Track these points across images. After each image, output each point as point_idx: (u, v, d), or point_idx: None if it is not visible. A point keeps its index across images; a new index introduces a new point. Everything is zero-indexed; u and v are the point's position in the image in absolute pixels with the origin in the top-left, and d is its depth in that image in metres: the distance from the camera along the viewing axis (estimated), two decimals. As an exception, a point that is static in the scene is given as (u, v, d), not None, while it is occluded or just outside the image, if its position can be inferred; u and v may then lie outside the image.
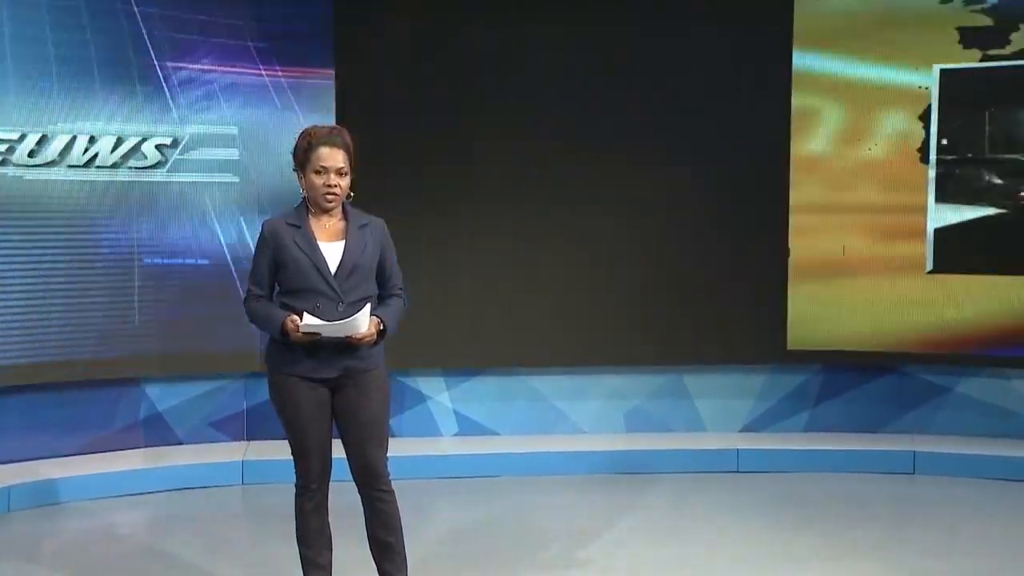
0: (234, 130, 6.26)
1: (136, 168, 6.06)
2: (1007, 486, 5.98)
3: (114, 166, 6.00)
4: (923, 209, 6.80)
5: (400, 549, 3.97)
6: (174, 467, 5.98)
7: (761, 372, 6.63)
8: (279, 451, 4.27)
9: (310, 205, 3.86)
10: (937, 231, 6.83)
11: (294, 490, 3.96)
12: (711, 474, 6.21)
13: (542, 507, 5.66)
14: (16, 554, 4.92)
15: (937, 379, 6.57)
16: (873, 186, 6.84)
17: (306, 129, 3.90)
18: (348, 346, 3.78)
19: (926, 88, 6.75)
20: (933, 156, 6.81)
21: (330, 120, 5.98)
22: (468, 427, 6.59)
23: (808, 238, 6.77)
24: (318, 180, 3.80)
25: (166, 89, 6.09)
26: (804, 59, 6.79)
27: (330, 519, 4.03)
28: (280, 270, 3.84)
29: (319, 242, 3.81)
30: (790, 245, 6.75)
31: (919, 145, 6.75)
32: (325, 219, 3.86)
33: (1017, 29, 6.63)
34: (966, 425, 6.50)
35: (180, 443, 6.29)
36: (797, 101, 6.79)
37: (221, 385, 6.34)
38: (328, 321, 3.73)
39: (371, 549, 4.00)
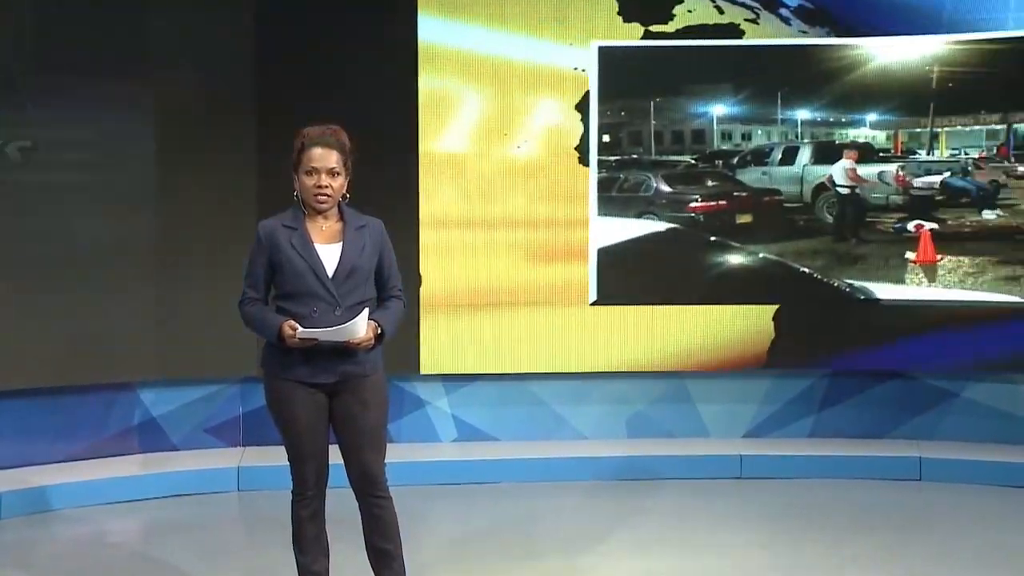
0: None
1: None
2: (1015, 493, 5.97)
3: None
4: (585, 223, 6.33)
5: (398, 556, 3.97)
6: (169, 473, 5.98)
7: (765, 377, 6.62)
8: (275, 457, 4.27)
9: (304, 207, 3.86)
10: (602, 252, 6.42)
11: (291, 497, 3.96)
12: (714, 480, 6.21)
13: (542, 514, 5.65)
14: (7, 563, 4.92)
15: (943, 384, 6.55)
16: (524, 194, 6.25)
17: (301, 130, 3.90)
18: (346, 351, 3.78)
19: (583, 71, 6.17)
20: (594, 157, 6.30)
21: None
22: (467, 433, 6.58)
23: (443, 260, 6.29)
24: (309, 181, 3.79)
25: None
26: (432, 28, 5.96)
27: (327, 526, 4.02)
28: (276, 273, 3.83)
29: (316, 244, 3.80)
30: (420, 271, 6.22)
31: (577, 143, 6.26)
32: (321, 221, 3.85)
33: (681, 1, 6.29)
34: (973, 431, 6.48)
35: (175, 449, 6.28)
36: (425, 84, 6.06)
37: (217, 390, 6.34)
38: (326, 326, 3.72)
39: (369, 557, 3.99)
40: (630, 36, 6.36)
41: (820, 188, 6.72)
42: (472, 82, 6.21)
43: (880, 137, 6.73)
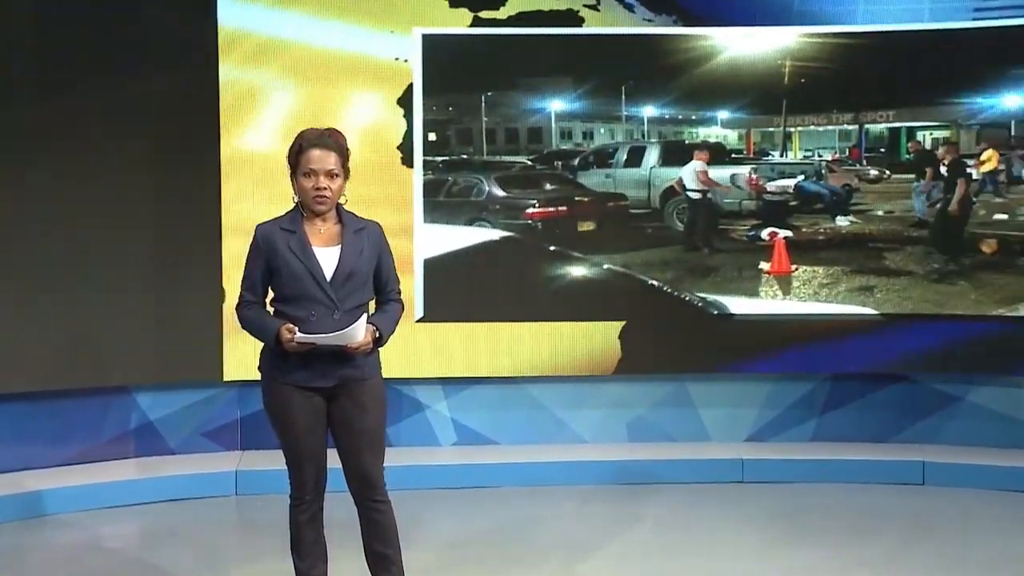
0: None
1: None
2: (1020, 497, 5.96)
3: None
4: (409, 231, 5.89)
5: (397, 561, 3.97)
6: (166, 478, 5.97)
7: (767, 380, 6.61)
8: (273, 461, 4.26)
9: (302, 209, 3.85)
10: (429, 263, 6.03)
11: (289, 501, 3.95)
12: (715, 485, 6.20)
13: (542, 518, 5.65)
14: (2, 568, 4.91)
15: (947, 388, 6.53)
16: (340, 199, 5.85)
17: (300, 132, 3.90)
18: (344, 355, 3.78)
19: (405, 61, 5.75)
20: (419, 157, 5.90)
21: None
22: (467, 436, 6.57)
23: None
24: (307, 183, 3.79)
25: None
26: (234, 11, 5.50)
27: (325, 531, 4.02)
28: (273, 276, 3.83)
29: (314, 247, 3.81)
30: (224, 285, 5.83)
31: (400, 141, 5.86)
32: (320, 223, 3.85)
33: None
34: (977, 435, 6.47)
35: (172, 453, 6.27)
36: (227, 75, 5.59)
37: (214, 394, 6.32)
38: (324, 330, 3.72)
39: (367, 561, 3.99)
40: (457, 23, 5.96)
41: (669, 192, 6.41)
42: (280, 73, 5.72)
43: (732, 137, 6.48)
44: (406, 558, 4.01)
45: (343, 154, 3.84)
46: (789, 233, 6.51)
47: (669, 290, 6.39)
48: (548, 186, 6.35)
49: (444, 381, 6.50)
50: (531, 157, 6.31)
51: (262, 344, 3.89)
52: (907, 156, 6.62)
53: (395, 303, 3.98)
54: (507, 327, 6.35)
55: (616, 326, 6.41)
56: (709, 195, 6.47)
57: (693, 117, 6.40)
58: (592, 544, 5.19)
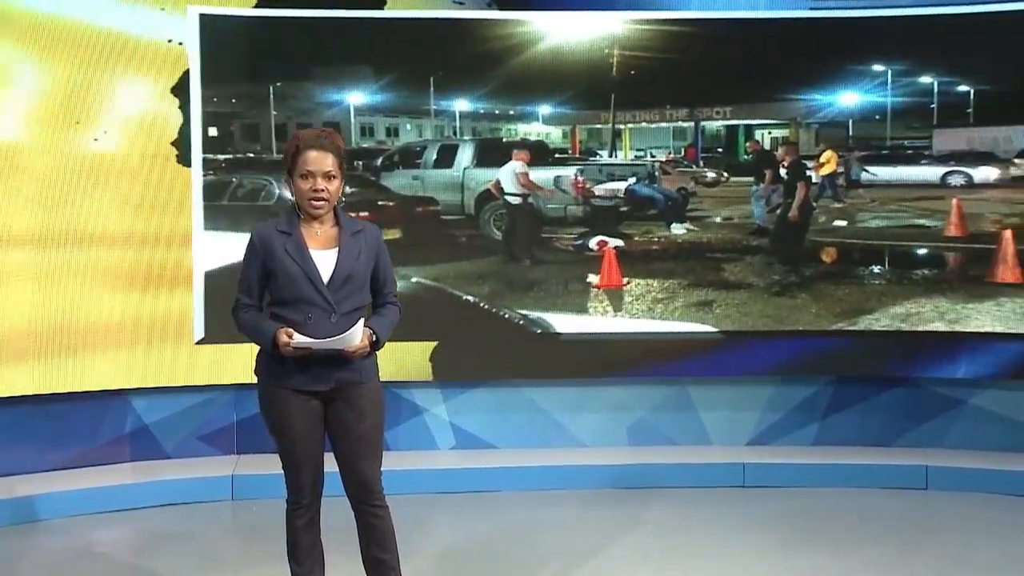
0: None
1: None
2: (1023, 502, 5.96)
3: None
4: (187, 240, 5.28)
5: (395, 566, 3.97)
6: (161, 482, 5.97)
7: (768, 384, 6.60)
8: (270, 465, 4.26)
9: (300, 211, 3.85)
10: (212, 276, 5.39)
11: (285, 506, 3.95)
12: (716, 489, 6.19)
13: (542, 523, 5.64)
14: (-3, 572, 4.91)
15: (951, 391, 6.52)
16: (105, 201, 5.08)
17: (295, 133, 3.91)
18: (341, 358, 3.78)
19: (180, 44, 5.12)
20: (198, 155, 5.29)
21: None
22: (465, 440, 6.57)
23: None
24: (304, 185, 3.79)
25: None
26: None
27: (323, 536, 4.02)
28: (270, 279, 3.83)
29: (311, 250, 3.80)
30: None
31: (175, 136, 5.22)
32: (317, 226, 3.85)
33: None
34: (980, 439, 6.46)
35: (168, 457, 6.26)
36: None
37: (211, 397, 6.31)
38: (321, 335, 3.72)
39: (365, 567, 3.99)
40: (241, 2, 5.44)
41: (486, 196, 5.96)
42: (32, 52, 4.97)
43: (555, 134, 6.10)
44: (404, 563, 4.01)
45: (340, 155, 3.84)
46: (620, 242, 6.17)
47: (486, 306, 5.96)
48: (347, 189, 5.64)
49: (443, 384, 6.49)
50: None
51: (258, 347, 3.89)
52: (746, 157, 6.37)
53: (392, 306, 3.99)
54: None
55: (428, 347, 6.06)
56: (530, 200, 6.06)
57: (511, 112, 5.99)
58: (592, 549, 5.18)
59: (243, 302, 3.88)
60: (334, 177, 3.81)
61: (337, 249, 3.83)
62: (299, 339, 3.70)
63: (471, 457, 6.43)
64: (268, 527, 4.81)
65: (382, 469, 3.95)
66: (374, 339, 3.85)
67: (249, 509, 5.84)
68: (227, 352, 5.74)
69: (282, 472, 3.93)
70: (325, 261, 3.80)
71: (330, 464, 3.93)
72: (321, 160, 3.78)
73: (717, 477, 6.27)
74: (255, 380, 3.95)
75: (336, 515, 4.11)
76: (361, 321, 3.78)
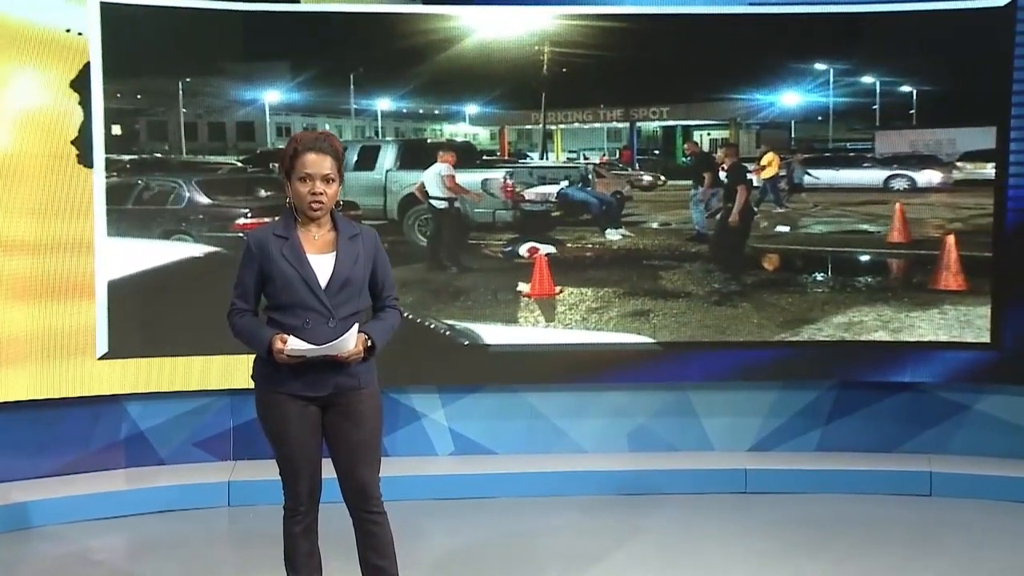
0: None
1: None
2: (1028, 508, 5.98)
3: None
4: (88, 247, 5.06)
5: (393, 574, 3.97)
6: (157, 488, 5.97)
7: (771, 389, 6.61)
8: (267, 471, 4.26)
9: (297, 214, 3.86)
10: (115, 286, 5.20)
11: (282, 512, 3.95)
12: (718, 495, 6.20)
13: (541, 530, 5.64)
14: (-10, 580, 4.91)
15: (955, 396, 6.52)
16: None
17: (293, 135, 3.92)
18: (338, 363, 3.79)
19: (80, 34, 4.81)
20: (100, 155, 5.03)
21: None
22: (464, 446, 6.57)
23: None
24: (303, 188, 3.79)
25: None
26: None
27: (320, 543, 4.03)
28: (267, 284, 3.84)
29: (308, 254, 3.81)
30: None
31: (75, 135, 4.93)
32: (314, 229, 3.86)
33: None
34: (986, 445, 6.46)
35: (163, 463, 6.27)
36: None
37: (207, 403, 6.32)
38: (320, 340, 3.73)
39: (363, 574, 3.99)
40: None
41: (409, 201, 5.80)
42: None
43: (483, 135, 5.95)
44: (403, 571, 4.02)
45: (339, 158, 3.85)
46: (552, 249, 6.04)
47: (410, 316, 5.75)
48: (263, 192, 5.61)
49: (441, 389, 6.50)
50: (241, 157, 5.61)
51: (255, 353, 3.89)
52: (684, 159, 6.27)
53: (392, 310, 3.99)
54: (215, 361, 5.79)
55: None
56: (456, 204, 5.91)
57: (436, 112, 5.83)
58: (592, 557, 5.18)
59: (238, 307, 3.88)
60: (333, 180, 3.82)
61: (335, 253, 3.84)
62: (293, 345, 3.71)
63: (470, 463, 6.44)
64: (265, 534, 4.82)
65: (380, 475, 3.95)
66: (370, 344, 3.85)
67: (246, 516, 5.84)
68: (138, 368, 5.62)
69: (279, 478, 3.93)
70: (323, 265, 3.81)
71: (328, 470, 3.93)
72: (320, 163, 3.79)
73: (719, 483, 6.28)
74: (252, 385, 3.95)
75: (334, 522, 4.12)
76: (356, 326, 3.78)
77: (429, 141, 5.82)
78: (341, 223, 3.92)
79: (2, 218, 5.04)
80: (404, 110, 5.73)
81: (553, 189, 6.03)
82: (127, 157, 5.21)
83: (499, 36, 5.69)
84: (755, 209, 6.33)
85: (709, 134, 6.30)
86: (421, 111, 5.76)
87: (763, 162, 6.26)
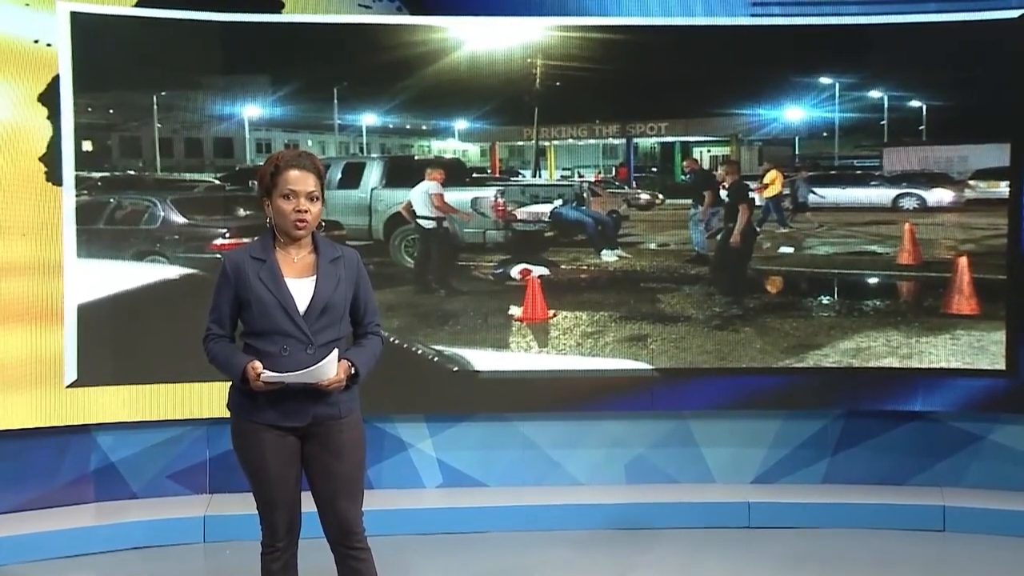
0: None
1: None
2: (1046, 544, 6.00)
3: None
4: (57, 269, 5.10)
5: (377, 613, 3.98)
6: (129, 524, 5.98)
7: (775, 418, 6.63)
8: (245, 506, 4.29)
9: (278, 234, 3.89)
10: (85, 310, 5.22)
11: (260, 548, 3.97)
12: (720, 530, 6.22)
13: (534, 566, 5.66)
14: (-49, 621, 4.91)
15: (969, 427, 6.54)
16: None
17: (271, 154, 3.95)
18: (318, 391, 3.81)
19: (49, 45, 4.85)
20: (70, 172, 5.05)
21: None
22: (453, 478, 6.59)
23: None
24: (287, 205, 3.83)
25: None
26: None
27: (299, 580, 4.04)
28: (243, 309, 3.86)
29: (287, 278, 3.84)
30: None
31: (43, 151, 4.98)
32: (294, 251, 3.89)
33: None
34: (1002, 477, 6.47)
35: (135, 497, 6.28)
36: None
37: (181, 433, 6.33)
38: (298, 368, 3.74)
39: (344, 613, 4.00)
40: (119, 0, 5.20)
41: (396, 220, 5.81)
42: None
43: (473, 152, 5.96)
44: (386, 610, 4.03)
45: (321, 177, 3.89)
46: (545, 271, 6.05)
47: (397, 341, 5.76)
48: (241, 211, 5.60)
49: (429, 418, 6.51)
50: (219, 175, 5.62)
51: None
52: (683, 177, 6.29)
53: (374, 336, 4.02)
54: (190, 389, 5.81)
55: None
56: (445, 223, 5.91)
57: (424, 127, 5.85)
58: (587, 595, 5.20)
59: (213, 332, 3.91)
60: (317, 198, 3.86)
61: (315, 278, 3.87)
62: (268, 374, 3.72)
63: (459, 496, 6.45)
64: (243, 571, 4.83)
65: (363, 509, 3.98)
66: (352, 371, 3.87)
67: (222, 552, 5.85)
68: (110, 397, 5.59)
69: (257, 512, 3.95)
70: (301, 290, 3.83)
71: (308, 504, 3.95)
72: (304, 180, 3.82)
73: (721, 517, 6.30)
74: (228, 415, 3.98)
75: (314, 558, 4.14)
76: (335, 352, 3.80)
77: (416, 158, 5.84)
78: (322, 245, 3.95)
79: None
80: (390, 125, 5.75)
81: (546, 208, 6.04)
82: (98, 174, 5.22)
83: (490, 48, 5.72)
84: (758, 229, 6.36)
85: (709, 151, 6.33)
86: (408, 126, 5.78)
87: (766, 180, 6.30)
